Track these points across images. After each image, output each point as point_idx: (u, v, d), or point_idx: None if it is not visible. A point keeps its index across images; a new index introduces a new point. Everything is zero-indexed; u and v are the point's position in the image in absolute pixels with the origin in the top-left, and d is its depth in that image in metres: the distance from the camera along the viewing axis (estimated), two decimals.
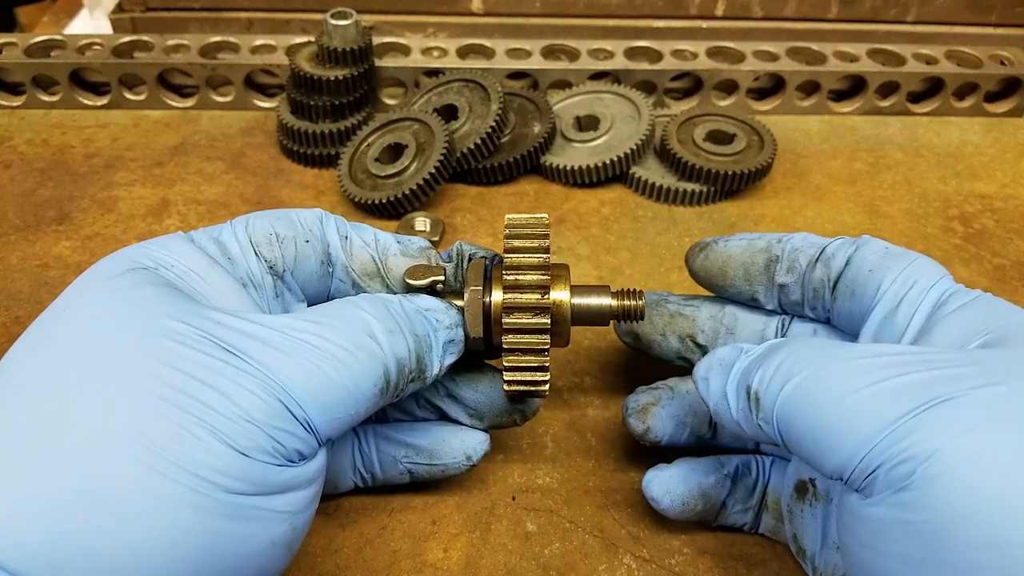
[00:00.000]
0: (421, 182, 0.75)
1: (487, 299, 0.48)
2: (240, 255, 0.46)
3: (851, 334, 0.49)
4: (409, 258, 0.50)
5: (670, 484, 0.50)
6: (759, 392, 0.41)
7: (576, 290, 0.50)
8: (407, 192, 0.75)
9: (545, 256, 0.47)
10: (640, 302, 0.51)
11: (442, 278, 0.48)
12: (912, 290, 0.44)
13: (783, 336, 0.54)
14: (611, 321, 0.51)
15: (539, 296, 0.46)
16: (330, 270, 0.49)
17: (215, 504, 0.35)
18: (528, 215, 0.50)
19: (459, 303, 0.48)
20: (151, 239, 0.46)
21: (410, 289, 0.48)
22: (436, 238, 0.75)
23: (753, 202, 0.82)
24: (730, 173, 0.78)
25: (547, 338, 0.47)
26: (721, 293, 0.55)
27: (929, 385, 0.35)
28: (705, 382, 0.46)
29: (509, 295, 0.47)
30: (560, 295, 0.48)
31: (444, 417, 0.53)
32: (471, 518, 0.54)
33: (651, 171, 0.82)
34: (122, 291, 0.40)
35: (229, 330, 0.38)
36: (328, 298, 0.51)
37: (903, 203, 0.82)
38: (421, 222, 0.75)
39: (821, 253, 0.50)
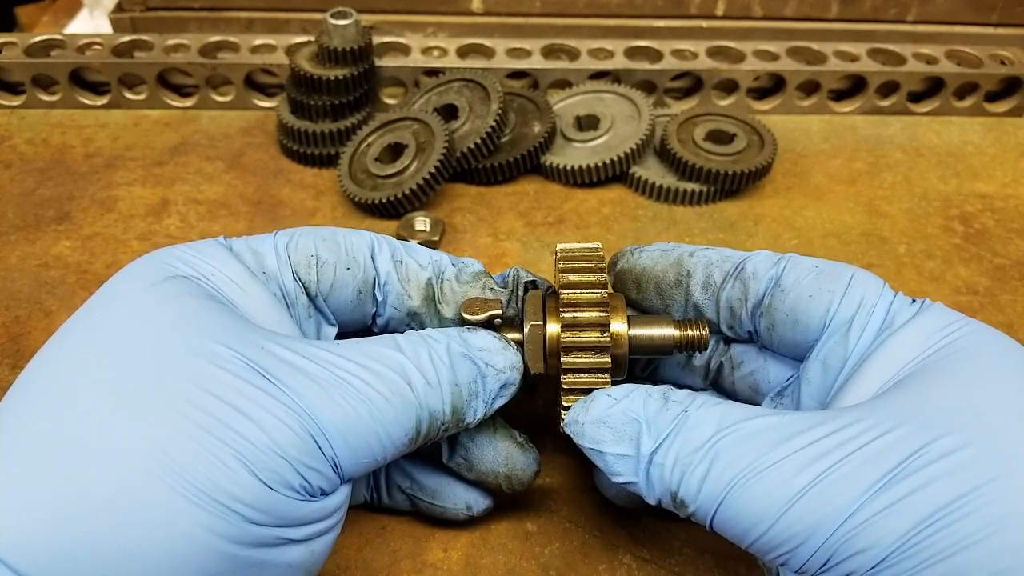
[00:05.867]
0: (421, 182, 0.75)
1: (545, 333, 0.46)
2: (276, 270, 0.46)
3: (793, 358, 0.48)
4: (464, 285, 0.48)
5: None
6: (688, 502, 0.39)
7: (635, 321, 0.48)
8: (407, 192, 0.75)
9: (603, 292, 0.45)
10: (704, 332, 0.47)
11: (500, 312, 0.47)
12: (859, 312, 0.44)
13: (713, 366, 0.52)
14: (673, 351, 0.48)
15: (598, 334, 0.45)
16: (373, 299, 0.48)
17: (235, 531, 0.35)
18: (581, 245, 0.49)
19: (517, 336, 0.47)
20: (189, 243, 0.45)
21: (467, 324, 0.47)
22: (436, 238, 0.75)
23: (753, 202, 0.82)
24: (730, 173, 0.78)
25: (607, 377, 0.45)
26: (638, 307, 0.53)
27: (858, 476, 0.36)
28: (596, 447, 0.42)
29: (568, 334, 0.45)
30: (618, 327, 0.46)
31: (438, 448, 0.51)
32: (471, 518, 0.54)
33: (651, 171, 0.82)
34: (165, 303, 0.40)
35: (272, 358, 0.38)
36: (369, 327, 0.50)
37: (903, 203, 0.82)
38: (421, 222, 0.75)
39: (737, 269, 0.48)
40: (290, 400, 0.37)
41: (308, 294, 0.47)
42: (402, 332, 0.48)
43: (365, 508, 0.54)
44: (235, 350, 0.38)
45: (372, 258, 0.48)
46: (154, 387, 0.36)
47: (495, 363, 0.44)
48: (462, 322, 0.47)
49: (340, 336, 0.50)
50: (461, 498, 0.51)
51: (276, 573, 0.38)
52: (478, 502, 0.51)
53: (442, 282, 0.48)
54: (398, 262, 0.48)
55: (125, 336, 0.38)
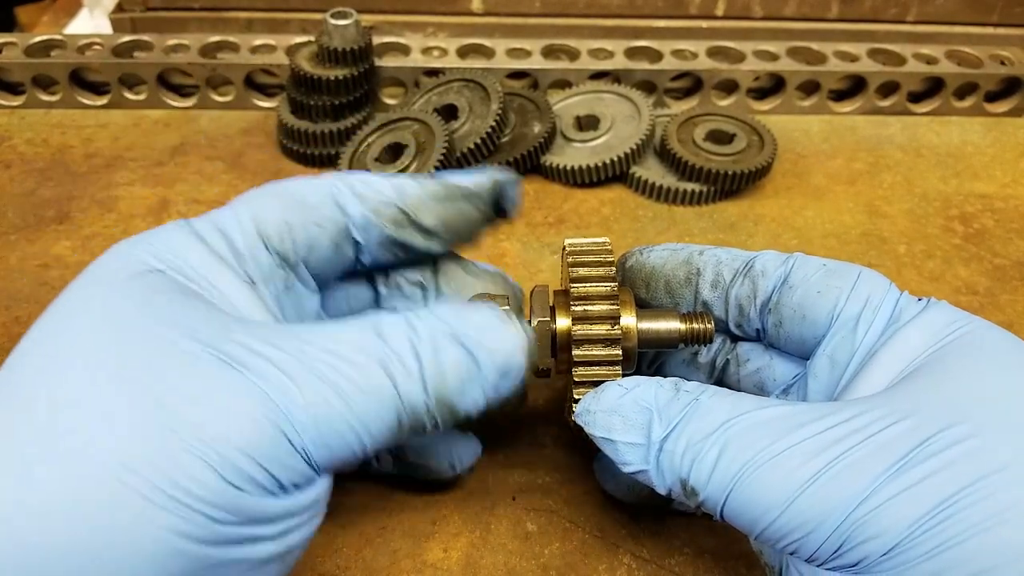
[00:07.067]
0: None
1: (553, 327, 0.46)
2: (246, 249, 0.44)
3: (799, 356, 0.48)
4: (436, 202, 0.47)
5: (616, 468, 0.50)
6: (698, 489, 0.39)
7: (643, 315, 0.48)
8: None
9: (613, 285, 0.46)
10: (709, 325, 0.48)
11: (507, 308, 0.46)
12: (866, 308, 0.44)
13: (719, 365, 0.53)
14: (680, 344, 0.49)
15: (609, 327, 0.45)
16: (351, 242, 0.47)
17: (201, 532, 0.34)
18: (589, 239, 0.49)
19: None
20: (153, 231, 0.44)
21: None
22: None
23: (753, 202, 0.82)
24: (730, 173, 0.78)
25: (619, 369, 0.45)
26: (648, 306, 0.53)
27: (869, 463, 0.36)
28: (607, 435, 0.42)
29: (579, 327, 0.45)
30: (627, 321, 0.47)
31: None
32: (471, 518, 0.54)
33: (651, 171, 0.82)
34: (134, 299, 0.39)
35: (241, 348, 0.37)
36: (355, 267, 0.49)
37: (903, 203, 0.82)
38: None
39: (746, 267, 0.48)
40: (257, 391, 0.36)
41: (287, 263, 0.45)
42: (388, 260, 0.49)
43: (349, 478, 0.54)
44: (204, 343, 0.36)
45: (339, 204, 0.46)
46: (119, 388, 0.35)
47: (491, 343, 0.40)
48: (427, 257, 0.47)
49: (330, 290, 0.50)
50: (444, 456, 0.51)
51: (246, 569, 0.37)
52: (462, 460, 0.52)
53: (410, 200, 0.47)
54: (361, 197, 0.47)
55: (93, 334, 0.37)
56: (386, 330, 0.39)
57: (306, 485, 0.38)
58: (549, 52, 0.93)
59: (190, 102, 0.93)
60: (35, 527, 0.32)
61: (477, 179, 0.49)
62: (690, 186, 0.80)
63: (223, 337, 0.37)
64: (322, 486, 0.40)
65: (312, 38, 0.90)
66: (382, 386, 0.38)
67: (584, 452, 0.58)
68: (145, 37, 0.93)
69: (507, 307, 0.44)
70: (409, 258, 0.49)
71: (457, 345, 0.40)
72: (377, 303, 0.53)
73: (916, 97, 0.96)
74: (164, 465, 0.34)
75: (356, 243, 0.47)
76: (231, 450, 0.35)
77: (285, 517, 0.38)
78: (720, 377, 0.53)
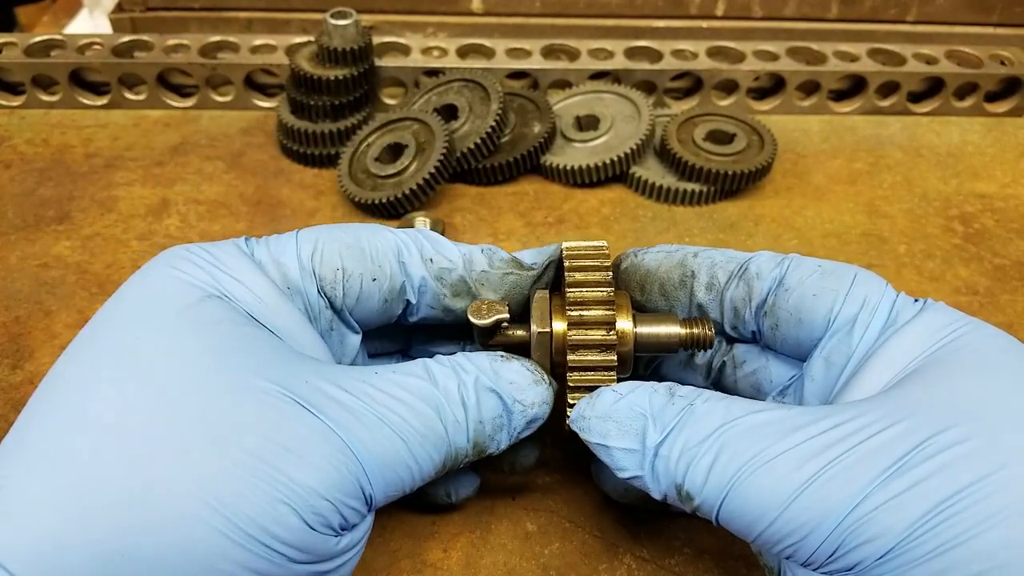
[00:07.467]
0: (421, 182, 0.75)
1: (551, 332, 0.47)
2: (300, 284, 0.45)
3: (796, 358, 0.48)
4: (499, 270, 0.48)
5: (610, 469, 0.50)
6: (693, 494, 0.39)
7: (641, 319, 0.48)
8: (407, 192, 0.75)
9: (609, 290, 0.46)
10: (709, 331, 0.47)
11: (507, 316, 0.47)
12: (862, 310, 0.44)
13: (716, 368, 0.53)
14: (679, 349, 0.48)
15: (604, 332, 0.45)
16: (401, 301, 0.48)
17: (277, 571, 0.36)
18: (586, 243, 0.49)
19: (523, 335, 0.47)
20: (209, 249, 0.44)
21: (474, 328, 0.47)
22: None
23: (753, 202, 0.82)
24: (730, 173, 0.78)
25: (614, 375, 0.45)
26: (642, 309, 0.52)
27: (865, 467, 0.36)
28: (602, 441, 0.42)
29: (574, 332, 0.45)
30: (624, 325, 0.47)
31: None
32: (471, 518, 0.54)
33: (651, 171, 0.82)
34: (202, 332, 0.39)
35: (317, 393, 0.38)
36: (396, 322, 0.50)
37: (903, 203, 0.82)
38: (421, 222, 0.75)
39: (741, 270, 0.48)
40: (336, 439, 0.37)
41: (332, 307, 0.46)
42: (436, 321, 0.49)
43: None
44: (281, 385, 0.38)
45: (402, 262, 0.47)
46: (200, 427, 0.36)
47: (523, 399, 0.44)
48: (470, 324, 0.47)
49: (364, 335, 0.50)
50: (443, 486, 0.51)
51: None
52: (458, 491, 0.52)
53: (476, 274, 0.48)
54: (428, 261, 0.47)
55: (164, 369, 0.37)
56: (439, 379, 0.42)
57: (360, 522, 0.40)
58: (549, 52, 0.93)
59: (190, 102, 0.93)
60: (114, 565, 0.33)
61: (543, 259, 0.50)
62: (690, 186, 0.80)
63: (295, 377, 0.38)
64: (371, 520, 0.42)
65: (312, 38, 0.90)
66: (437, 431, 0.41)
67: (583, 452, 0.58)
68: (145, 37, 0.93)
69: (536, 364, 0.46)
70: (449, 321, 0.50)
71: (495, 397, 0.43)
72: (410, 340, 0.55)
73: (916, 97, 0.96)
74: (247, 507, 0.34)
75: (407, 302, 0.48)
76: (315, 497, 0.36)
77: (343, 552, 0.40)
78: (717, 379, 0.53)
